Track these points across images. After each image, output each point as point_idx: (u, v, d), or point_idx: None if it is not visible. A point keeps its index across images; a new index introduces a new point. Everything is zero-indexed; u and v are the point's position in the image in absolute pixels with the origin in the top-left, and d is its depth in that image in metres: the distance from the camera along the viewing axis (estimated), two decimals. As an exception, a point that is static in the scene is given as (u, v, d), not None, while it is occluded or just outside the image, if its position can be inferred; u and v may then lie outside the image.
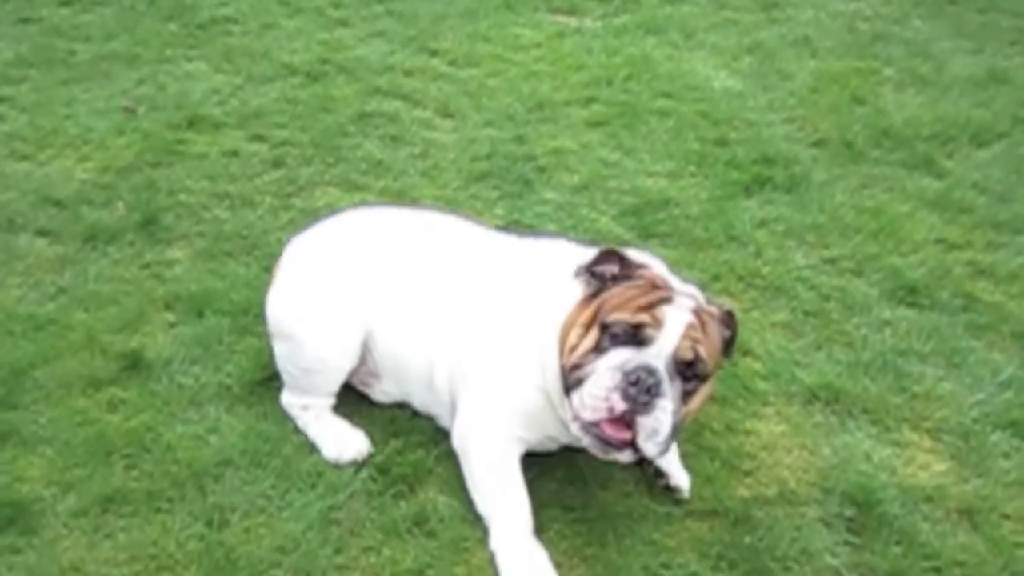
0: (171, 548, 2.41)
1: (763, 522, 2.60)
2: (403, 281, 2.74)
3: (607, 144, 4.35)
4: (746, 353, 3.16)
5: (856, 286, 3.52)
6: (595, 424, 2.35)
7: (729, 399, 2.98)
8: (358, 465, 2.66)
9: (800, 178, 4.14)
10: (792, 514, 2.64)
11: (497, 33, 5.36)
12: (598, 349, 2.38)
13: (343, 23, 5.40)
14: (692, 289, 2.52)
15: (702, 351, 2.36)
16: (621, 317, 2.36)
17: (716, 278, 3.51)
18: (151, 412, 2.78)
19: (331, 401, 2.79)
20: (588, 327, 2.41)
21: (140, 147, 4.07)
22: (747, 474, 2.76)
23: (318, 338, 2.71)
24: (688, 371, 2.37)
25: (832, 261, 3.65)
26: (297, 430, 2.76)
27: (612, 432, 2.34)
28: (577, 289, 2.49)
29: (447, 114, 4.53)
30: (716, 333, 2.43)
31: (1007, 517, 2.68)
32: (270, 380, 2.88)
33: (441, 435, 2.72)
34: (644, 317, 2.35)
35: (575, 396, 2.39)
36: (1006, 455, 2.87)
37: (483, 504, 2.52)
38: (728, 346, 2.51)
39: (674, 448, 2.68)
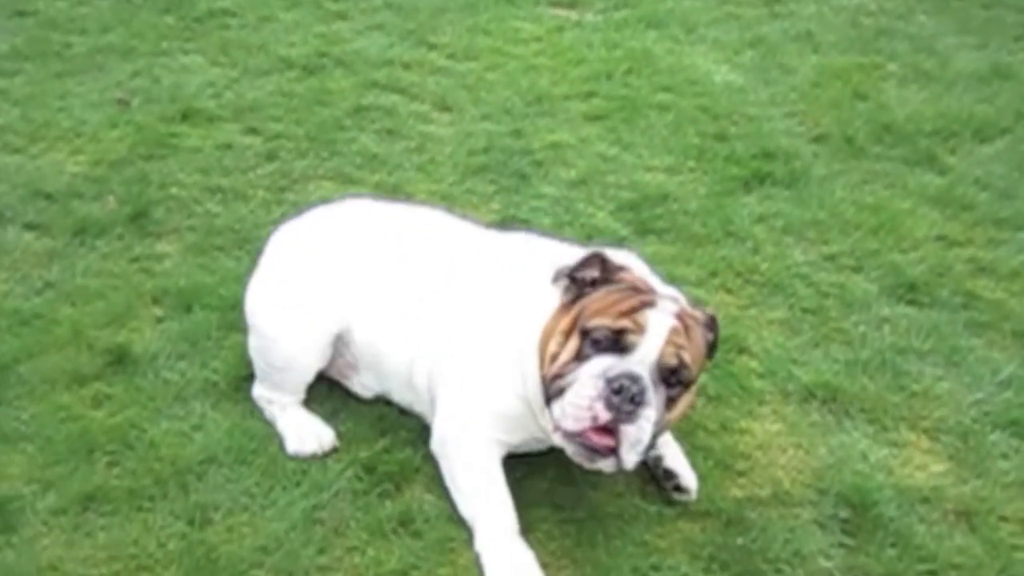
0: (151, 547, 2.37)
1: (756, 523, 2.55)
2: (385, 276, 2.69)
3: (606, 138, 4.31)
4: (742, 351, 3.11)
5: (855, 283, 3.47)
6: (579, 433, 2.27)
7: (724, 397, 2.94)
8: (320, 458, 2.61)
9: (800, 173, 4.10)
10: (786, 515, 2.59)
11: (497, 26, 5.33)
12: (579, 356, 2.29)
13: (342, 16, 5.36)
14: (674, 292, 2.46)
15: (686, 357, 2.28)
16: (602, 323, 2.28)
17: (714, 274, 3.47)
18: (136, 408, 2.74)
19: (299, 397, 2.75)
20: (568, 334, 2.33)
21: (133, 140, 4.04)
22: (741, 474, 2.71)
23: (288, 338, 2.67)
24: (672, 377, 2.29)
25: (831, 258, 3.60)
26: (280, 424, 2.73)
27: (597, 439, 2.26)
28: (557, 294, 2.42)
29: (444, 108, 4.49)
30: (700, 337, 2.36)
31: (1005, 519, 2.63)
32: (257, 377, 2.85)
33: (428, 434, 2.66)
34: (626, 322, 2.27)
35: (556, 406, 2.31)
36: (1005, 455, 2.82)
37: (466, 507, 2.47)
38: (711, 350, 2.44)
39: (679, 447, 2.65)
